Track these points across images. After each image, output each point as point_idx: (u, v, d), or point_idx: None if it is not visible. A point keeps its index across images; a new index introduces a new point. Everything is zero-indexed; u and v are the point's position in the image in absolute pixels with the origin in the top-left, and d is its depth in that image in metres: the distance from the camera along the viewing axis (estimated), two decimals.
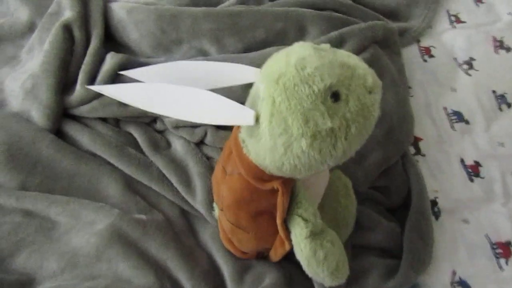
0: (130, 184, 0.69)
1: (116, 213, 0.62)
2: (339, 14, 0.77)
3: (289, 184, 0.49)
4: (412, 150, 0.80)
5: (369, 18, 0.81)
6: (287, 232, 0.52)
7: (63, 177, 0.68)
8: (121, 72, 0.51)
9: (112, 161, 0.70)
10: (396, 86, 0.74)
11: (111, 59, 0.73)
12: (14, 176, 0.67)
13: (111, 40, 0.80)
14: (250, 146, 0.47)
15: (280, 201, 0.49)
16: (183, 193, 0.68)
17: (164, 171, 0.69)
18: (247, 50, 0.74)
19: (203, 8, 0.74)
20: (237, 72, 0.48)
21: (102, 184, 0.68)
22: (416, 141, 0.81)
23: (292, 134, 0.42)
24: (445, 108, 0.85)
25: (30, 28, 0.84)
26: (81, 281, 0.58)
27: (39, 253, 0.62)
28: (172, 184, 0.69)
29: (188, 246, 0.63)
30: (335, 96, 0.42)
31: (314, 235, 0.50)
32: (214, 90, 0.44)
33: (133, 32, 0.77)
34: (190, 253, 0.61)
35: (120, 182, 0.68)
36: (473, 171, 0.77)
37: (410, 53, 0.91)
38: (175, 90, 0.44)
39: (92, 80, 0.73)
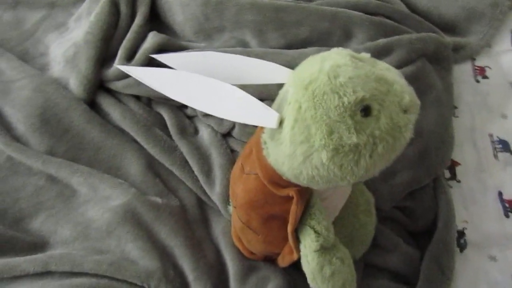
0: (152, 165, 0.69)
1: (132, 192, 0.62)
2: (390, 21, 0.73)
3: (305, 194, 0.47)
4: (447, 174, 0.76)
5: (423, 29, 0.77)
6: (297, 241, 0.50)
7: (89, 148, 0.69)
8: (153, 56, 0.50)
9: (138, 139, 0.70)
10: (440, 105, 0.69)
11: (151, 39, 0.73)
12: (45, 140, 0.68)
13: (156, 19, 0.80)
14: (271, 149, 0.45)
15: (294, 210, 0.47)
16: (202, 182, 0.67)
17: (187, 157, 0.69)
18: (288, 46, 0.72)
19: None
20: (269, 71, 0.46)
21: (125, 161, 0.69)
22: (453, 165, 0.76)
23: (314, 145, 0.40)
24: (490, 135, 0.79)
25: None
26: (90, 253, 0.59)
27: (56, 218, 0.63)
28: (193, 171, 0.68)
29: (197, 237, 0.62)
30: (366, 111, 0.40)
31: (324, 249, 0.48)
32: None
33: (178, 14, 0.76)
34: (198, 244, 0.61)
35: (142, 162, 0.68)
36: (510, 206, 0.72)
37: (463, 71, 0.85)
38: (202, 81, 0.43)
39: (131, 56, 0.73)
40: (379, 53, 0.68)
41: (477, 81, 0.85)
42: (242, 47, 0.73)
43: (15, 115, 0.70)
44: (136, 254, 0.58)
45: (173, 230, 0.60)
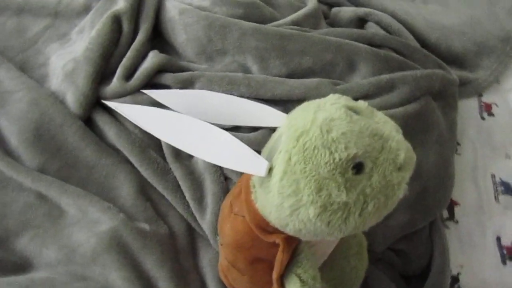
0: (144, 188, 0.68)
1: (120, 218, 0.61)
2: (396, 56, 0.71)
3: (293, 241, 0.45)
4: (445, 214, 0.74)
5: (430, 64, 0.75)
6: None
7: (82, 167, 0.68)
8: (144, 91, 0.49)
9: (132, 160, 0.69)
10: (441, 144, 0.68)
11: (152, 58, 0.72)
12: (37, 156, 0.67)
13: (159, 37, 0.79)
14: (259, 195, 0.44)
15: (279, 257, 0.46)
16: (193, 209, 0.66)
17: (180, 182, 0.67)
18: (290, 75, 0.70)
19: (254, 24, 0.71)
20: (264, 113, 0.45)
21: (117, 182, 0.68)
22: (451, 205, 0.74)
23: (301, 199, 0.38)
24: (493, 176, 0.77)
25: (86, 9, 0.84)
26: (73, 279, 0.57)
27: (42, 238, 0.62)
28: (184, 197, 0.67)
29: (184, 268, 0.61)
30: (358, 168, 0.38)
31: None
32: None
33: (180, 34, 0.75)
34: (183, 276, 0.59)
35: (134, 184, 0.67)
36: (508, 253, 0.70)
37: (468, 107, 0.83)
38: (192, 123, 0.42)
39: (130, 75, 0.72)
40: (382, 89, 0.67)
41: (483, 118, 0.83)
42: (243, 72, 0.72)
43: (9, 128, 0.69)
44: (119, 284, 0.57)
45: (159, 260, 0.59)
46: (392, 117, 0.63)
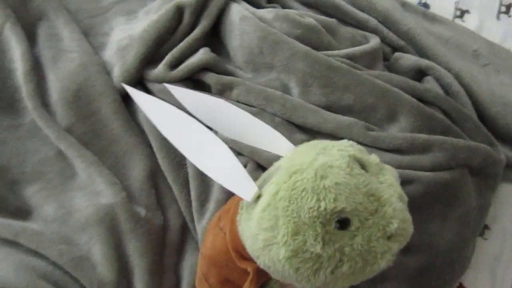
0: (154, 175, 0.68)
1: (121, 197, 0.62)
2: (443, 118, 0.67)
3: (264, 275, 0.44)
4: None
5: (479, 136, 0.70)
6: None
7: (105, 138, 0.70)
8: (167, 86, 0.49)
9: (153, 144, 0.70)
10: (464, 225, 0.63)
11: (201, 54, 0.73)
12: (68, 116, 0.70)
13: (215, 36, 0.80)
14: (243, 218, 0.43)
15: (247, 286, 0.44)
16: (194, 210, 0.65)
17: (190, 180, 0.68)
18: (327, 107, 0.68)
19: (306, 48, 0.69)
20: (273, 139, 0.44)
21: (132, 162, 0.69)
22: None
23: (276, 237, 0.37)
24: None
25: None
26: (60, 240, 0.59)
27: (47, 193, 0.65)
28: (190, 195, 0.67)
29: (164, 264, 0.61)
30: (343, 224, 0.36)
31: None
32: None
33: (236, 39, 0.76)
34: (160, 272, 0.59)
35: (146, 169, 0.68)
36: None
37: (510, 192, 0.77)
38: (198, 130, 0.41)
39: (176, 65, 0.74)
40: (416, 148, 0.63)
41: None
42: (283, 92, 0.71)
43: (54, 83, 0.73)
44: (98, 259, 0.58)
45: (142, 249, 0.59)
46: (418, 180, 0.61)
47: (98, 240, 0.59)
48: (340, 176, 0.36)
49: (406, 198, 0.40)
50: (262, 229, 0.38)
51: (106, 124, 0.71)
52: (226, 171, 0.40)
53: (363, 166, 0.39)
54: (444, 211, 0.62)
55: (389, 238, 0.37)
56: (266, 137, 0.44)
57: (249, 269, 0.43)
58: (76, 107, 0.71)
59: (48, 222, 0.62)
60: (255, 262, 0.43)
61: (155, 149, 0.70)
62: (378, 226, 0.36)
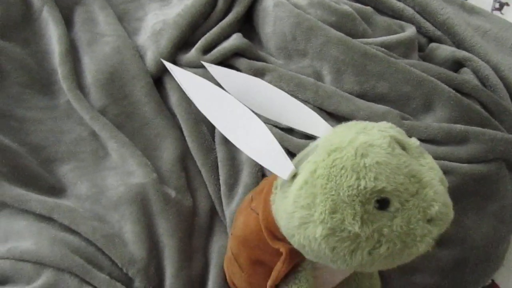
0: (184, 158, 0.69)
1: (152, 177, 0.63)
2: (481, 110, 0.65)
3: (296, 256, 0.44)
4: None
5: None
6: None
7: (137, 120, 0.71)
8: (205, 64, 0.49)
9: (183, 128, 0.70)
10: (500, 220, 0.61)
11: (234, 40, 0.73)
12: (102, 98, 0.71)
13: (248, 23, 0.80)
14: (277, 197, 0.42)
15: (278, 267, 0.44)
16: (222, 194, 0.66)
17: (220, 164, 0.68)
18: (361, 95, 0.67)
19: (341, 34, 0.68)
20: (310, 120, 0.43)
21: (162, 145, 0.70)
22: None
23: (313, 215, 0.36)
24: None
25: None
26: (92, 217, 0.60)
27: (81, 172, 0.66)
28: (219, 179, 0.67)
29: (193, 246, 0.61)
30: (382, 204, 0.35)
31: None
32: None
33: (269, 25, 0.75)
34: (189, 253, 0.60)
35: (177, 151, 0.69)
36: None
37: None
38: (236, 107, 0.41)
39: (208, 50, 0.74)
40: (452, 139, 0.61)
41: None
42: (316, 79, 0.70)
43: (89, 65, 0.74)
44: (129, 237, 0.59)
45: (172, 228, 0.60)
46: (453, 171, 0.59)
47: (129, 218, 0.60)
48: (381, 155, 0.35)
49: (447, 183, 0.39)
50: (299, 207, 0.37)
51: (138, 106, 0.72)
52: (263, 149, 0.40)
53: (403, 148, 0.38)
54: (479, 205, 0.60)
55: (429, 221, 0.36)
56: (303, 118, 0.44)
57: (282, 249, 0.43)
58: (110, 89, 0.72)
59: (81, 200, 0.63)
60: (288, 243, 0.43)
61: (185, 133, 0.70)
62: (418, 208, 0.35)
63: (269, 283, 0.46)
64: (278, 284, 0.47)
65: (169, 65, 0.45)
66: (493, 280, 0.68)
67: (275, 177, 0.46)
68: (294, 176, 0.39)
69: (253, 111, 0.43)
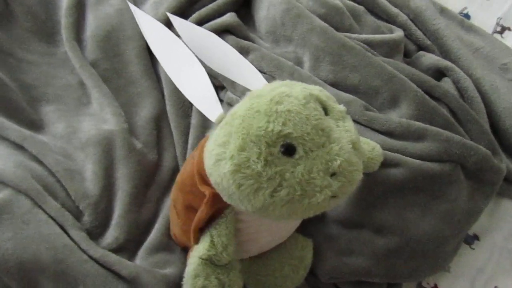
0: (159, 118, 0.73)
1: (122, 127, 0.67)
2: (446, 115, 0.66)
3: (219, 201, 0.46)
4: None
5: (482, 142, 0.68)
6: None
7: (124, 77, 0.76)
8: (169, 14, 0.53)
9: (165, 91, 0.74)
10: (445, 221, 0.61)
11: (226, 17, 0.77)
12: (96, 52, 0.76)
13: (246, 7, 0.84)
14: (209, 140, 0.45)
15: (201, 209, 0.47)
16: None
17: (191, 129, 0.71)
18: (334, 84, 0.70)
19: (324, 24, 0.71)
20: (253, 77, 0.46)
21: (142, 103, 0.74)
22: None
23: (226, 151, 0.39)
24: None
25: None
26: (60, 153, 0.64)
27: (61, 114, 0.71)
28: (187, 143, 0.71)
29: (147, 195, 0.65)
30: (288, 150, 0.38)
31: (211, 262, 0.47)
32: None
33: (263, 10, 0.79)
34: (141, 202, 0.63)
35: (154, 111, 0.72)
36: None
37: (509, 210, 0.74)
38: (183, 51, 0.45)
39: (201, 24, 0.78)
40: (409, 135, 0.63)
41: None
42: (296, 64, 0.73)
43: (91, 22, 0.79)
44: (88, 175, 0.63)
45: (129, 175, 0.63)
46: (404, 164, 0.61)
47: (92, 158, 0.64)
48: (294, 105, 0.38)
49: (362, 149, 0.41)
50: (217, 145, 0.40)
51: (128, 65, 0.77)
52: (199, 92, 0.43)
53: (325, 109, 0.41)
54: (425, 202, 0.62)
55: (332, 175, 0.38)
56: (248, 75, 0.47)
57: (207, 192, 0.46)
58: (104, 46, 0.77)
59: (56, 138, 0.67)
60: (213, 188, 0.46)
61: (165, 96, 0.74)
62: (321, 160, 0.38)
63: (193, 224, 0.48)
64: (203, 229, 0.49)
65: (133, 7, 0.49)
66: (436, 285, 0.68)
67: None
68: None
69: (204, 63, 0.46)
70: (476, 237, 0.72)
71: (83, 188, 0.61)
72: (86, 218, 0.60)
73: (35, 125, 0.69)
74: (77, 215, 0.60)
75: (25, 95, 0.72)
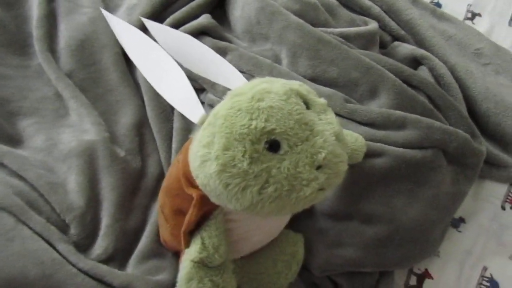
0: (141, 125, 0.72)
1: (104, 136, 0.66)
2: (425, 102, 0.67)
3: (208, 202, 0.46)
4: (413, 281, 0.68)
5: (461, 126, 0.70)
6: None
7: (102, 86, 0.75)
8: (143, 19, 0.53)
9: (145, 97, 0.73)
10: (431, 207, 0.62)
11: (201, 19, 0.77)
12: (70, 63, 0.75)
13: (220, 9, 0.83)
14: (193, 142, 0.45)
15: (190, 212, 0.47)
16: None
17: (174, 133, 0.71)
18: (313, 78, 0.70)
19: (300, 20, 0.72)
20: (232, 76, 0.46)
21: (122, 110, 0.73)
22: (423, 276, 0.68)
23: (211, 152, 0.39)
24: (485, 268, 0.69)
25: None
26: (42, 167, 0.63)
27: (40, 127, 0.69)
28: (171, 147, 0.70)
29: (134, 203, 0.64)
30: (273, 146, 0.38)
31: (203, 265, 0.47)
32: None
33: (237, 9, 0.79)
34: (128, 210, 0.62)
35: (135, 118, 0.72)
36: None
37: (492, 191, 0.75)
38: (161, 57, 0.45)
39: (176, 27, 0.77)
40: (390, 124, 0.64)
41: (503, 208, 0.75)
42: (274, 61, 0.73)
43: (64, 32, 0.78)
44: (72, 187, 0.62)
45: (114, 184, 0.62)
46: (387, 153, 0.62)
47: (75, 170, 0.63)
48: (275, 101, 0.38)
49: (346, 141, 0.41)
50: (201, 146, 0.40)
51: (105, 74, 0.76)
52: (179, 95, 0.43)
53: (306, 103, 0.41)
54: (411, 189, 0.62)
55: (318, 168, 0.38)
56: (226, 74, 0.47)
57: (194, 194, 0.46)
58: (79, 55, 0.76)
59: (35, 152, 0.66)
60: (200, 190, 0.45)
61: (146, 101, 0.74)
62: (306, 153, 0.38)
63: (182, 228, 0.48)
64: (193, 232, 0.49)
65: (105, 13, 0.48)
66: (426, 270, 0.69)
67: None
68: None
69: (182, 66, 0.46)
70: (462, 220, 0.73)
71: (68, 200, 0.60)
72: (73, 230, 0.59)
73: (14, 140, 0.68)
74: (63, 228, 0.59)
75: (1, 110, 0.70)
